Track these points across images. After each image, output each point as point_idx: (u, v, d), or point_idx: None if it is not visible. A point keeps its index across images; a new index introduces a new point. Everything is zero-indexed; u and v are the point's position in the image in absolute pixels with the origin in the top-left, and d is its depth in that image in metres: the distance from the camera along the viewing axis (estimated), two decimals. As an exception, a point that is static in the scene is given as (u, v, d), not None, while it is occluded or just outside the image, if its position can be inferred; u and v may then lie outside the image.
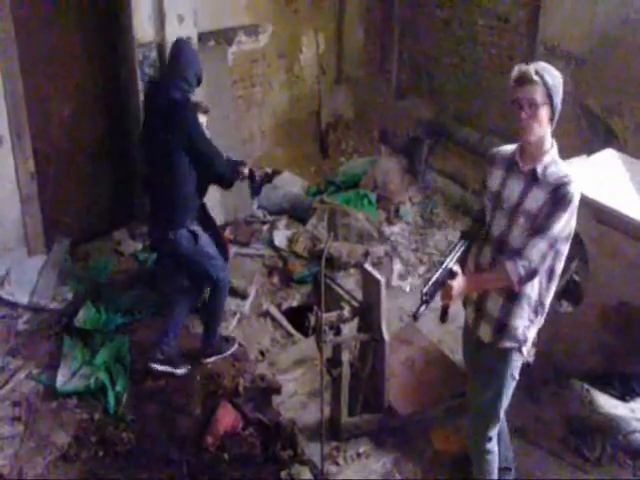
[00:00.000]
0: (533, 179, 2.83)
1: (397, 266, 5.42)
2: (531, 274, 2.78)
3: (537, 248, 2.76)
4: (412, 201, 6.22)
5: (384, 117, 7.10)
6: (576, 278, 4.30)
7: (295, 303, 5.08)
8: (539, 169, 2.82)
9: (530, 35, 5.77)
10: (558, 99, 2.76)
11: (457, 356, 4.08)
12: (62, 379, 4.22)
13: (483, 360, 3.11)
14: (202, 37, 5.80)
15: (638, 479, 3.67)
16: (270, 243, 5.67)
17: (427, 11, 6.74)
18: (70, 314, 4.74)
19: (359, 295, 3.89)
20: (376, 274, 3.67)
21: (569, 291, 4.26)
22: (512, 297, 2.92)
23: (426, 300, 2.80)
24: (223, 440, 3.82)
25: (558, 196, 2.75)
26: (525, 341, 2.99)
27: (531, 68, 2.74)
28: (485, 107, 6.14)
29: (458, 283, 2.82)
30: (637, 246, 3.50)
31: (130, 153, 5.70)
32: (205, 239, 4.19)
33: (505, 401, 3.10)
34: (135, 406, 4.10)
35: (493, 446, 3.23)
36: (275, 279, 5.29)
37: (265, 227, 5.89)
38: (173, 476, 3.68)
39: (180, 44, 4.23)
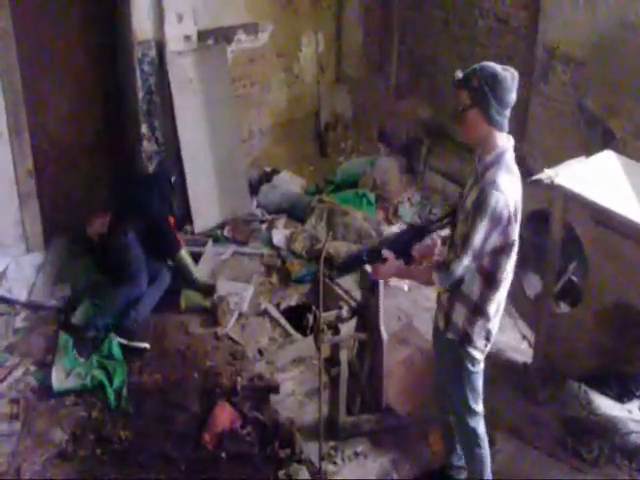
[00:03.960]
0: (474, 178, 2.89)
1: (395, 266, 5.42)
2: (455, 283, 2.93)
3: (460, 263, 2.83)
4: (411, 201, 6.22)
5: (383, 117, 7.09)
6: (574, 279, 4.31)
7: (293, 302, 5.07)
8: (479, 168, 2.85)
9: (529, 37, 5.75)
10: (487, 99, 2.71)
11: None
12: (57, 379, 4.19)
13: (438, 347, 3.26)
14: (201, 35, 5.79)
15: (635, 480, 3.69)
16: (269, 242, 5.66)
17: (426, 11, 6.73)
18: (67, 312, 4.74)
19: (357, 295, 3.90)
20: (375, 274, 3.67)
21: (567, 292, 4.27)
22: (452, 293, 3.02)
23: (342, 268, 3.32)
24: (221, 439, 3.81)
25: (478, 201, 2.76)
26: (467, 338, 3.02)
27: (459, 73, 2.77)
28: (484, 108, 6.13)
29: (385, 268, 3.13)
30: (635, 248, 3.51)
31: (129, 150, 5.70)
32: None
33: (469, 393, 3.13)
34: (132, 404, 4.10)
35: (482, 442, 3.24)
36: (274, 278, 5.29)
37: (264, 226, 5.88)
38: (170, 474, 3.68)
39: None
